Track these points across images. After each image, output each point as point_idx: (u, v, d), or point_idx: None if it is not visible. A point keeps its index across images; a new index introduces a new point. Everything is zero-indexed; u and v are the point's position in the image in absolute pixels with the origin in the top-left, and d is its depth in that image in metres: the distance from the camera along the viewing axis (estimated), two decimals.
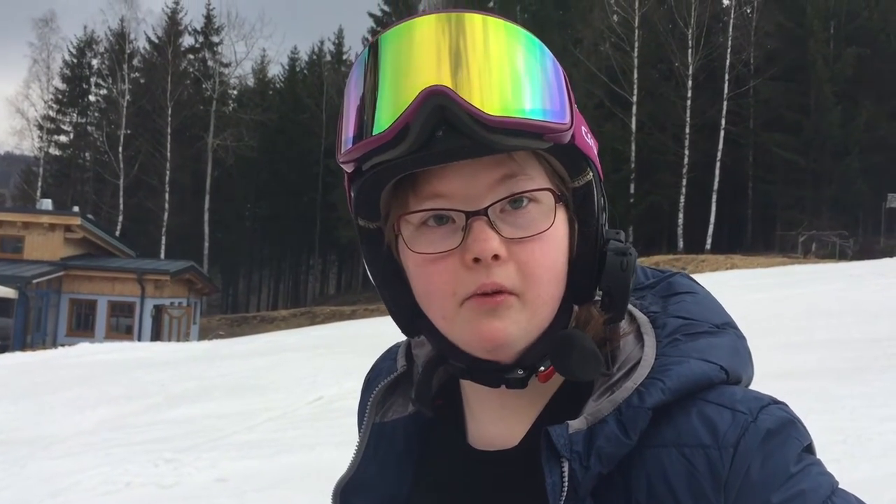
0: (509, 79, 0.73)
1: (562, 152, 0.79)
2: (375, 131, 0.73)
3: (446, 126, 0.71)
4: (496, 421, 0.87)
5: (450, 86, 0.70)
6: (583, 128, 0.81)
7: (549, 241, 0.78)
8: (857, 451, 5.11)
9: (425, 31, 0.74)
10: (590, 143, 0.83)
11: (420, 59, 0.73)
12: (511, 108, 0.72)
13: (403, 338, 1.00)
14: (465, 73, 0.71)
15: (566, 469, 0.74)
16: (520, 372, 0.80)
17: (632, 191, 41.27)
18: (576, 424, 0.76)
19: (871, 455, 4.97)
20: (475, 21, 0.74)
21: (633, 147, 41.45)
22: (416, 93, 0.71)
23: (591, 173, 0.82)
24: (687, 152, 41.00)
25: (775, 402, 0.77)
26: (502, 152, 0.75)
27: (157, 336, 30.61)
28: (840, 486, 0.74)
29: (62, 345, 24.18)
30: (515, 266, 0.76)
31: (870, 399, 6.74)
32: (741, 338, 0.86)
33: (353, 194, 0.81)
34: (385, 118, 0.72)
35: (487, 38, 0.74)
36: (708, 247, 39.43)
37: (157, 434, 8.42)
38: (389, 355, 1.03)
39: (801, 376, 7.63)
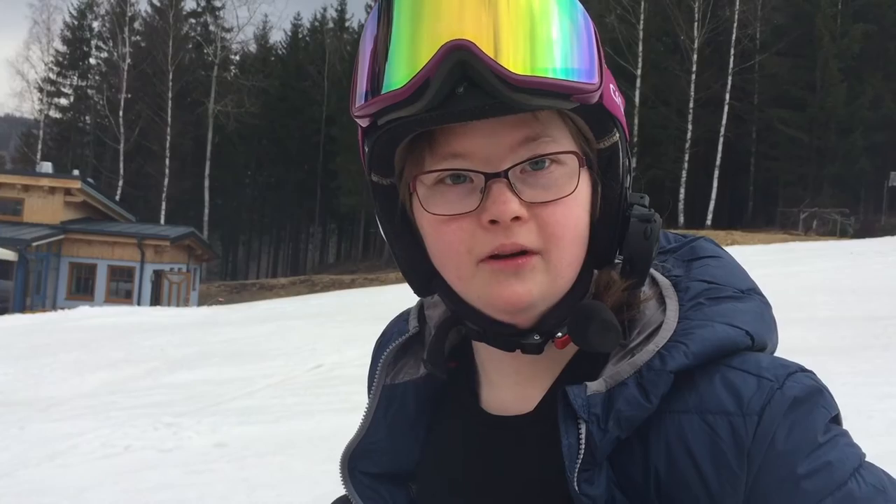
0: (537, 35, 0.68)
1: (588, 112, 0.75)
2: (394, 86, 0.68)
3: (467, 83, 0.67)
4: (511, 385, 0.85)
5: (473, 40, 0.66)
6: (611, 86, 0.77)
7: (572, 204, 0.74)
8: (859, 429, 5.10)
9: None
10: (617, 101, 0.79)
11: (443, 9, 0.68)
12: (538, 67, 0.68)
13: (405, 306, 0.98)
14: (490, 27, 0.67)
15: (583, 431, 0.71)
16: (536, 337, 0.77)
17: (634, 165, 40.93)
18: (594, 386, 0.73)
19: (873, 432, 4.97)
20: None
21: (637, 121, 41.24)
22: (438, 46, 0.66)
23: (617, 134, 0.78)
24: (690, 127, 40.91)
25: (803, 369, 0.74)
26: (526, 112, 0.71)
27: (156, 301, 30.69)
28: (867, 458, 0.71)
29: (62, 308, 24.26)
30: (536, 226, 0.73)
31: (871, 376, 6.77)
32: (766, 304, 0.83)
33: (366, 149, 0.77)
34: (404, 73, 0.68)
35: None
36: (709, 222, 39.49)
37: (156, 398, 8.46)
38: (401, 318, 0.99)
39: (801, 353, 7.55)
